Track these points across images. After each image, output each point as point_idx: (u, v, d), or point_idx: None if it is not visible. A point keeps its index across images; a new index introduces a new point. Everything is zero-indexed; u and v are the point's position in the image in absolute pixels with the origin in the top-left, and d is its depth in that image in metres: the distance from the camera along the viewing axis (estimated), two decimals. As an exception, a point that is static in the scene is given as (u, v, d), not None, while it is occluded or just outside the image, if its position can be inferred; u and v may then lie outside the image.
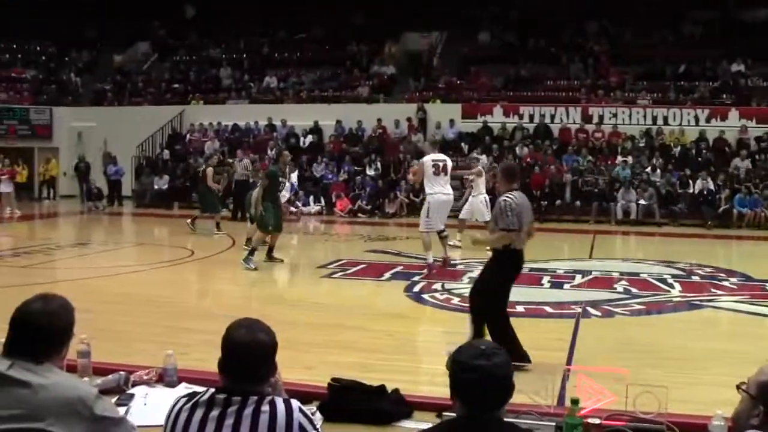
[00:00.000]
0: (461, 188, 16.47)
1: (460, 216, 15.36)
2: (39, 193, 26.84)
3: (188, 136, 26.50)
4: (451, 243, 14.07)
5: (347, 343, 7.46)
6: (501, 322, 6.60)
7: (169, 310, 9.28)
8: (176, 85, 29.16)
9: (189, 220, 17.09)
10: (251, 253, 11.89)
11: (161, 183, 24.12)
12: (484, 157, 20.07)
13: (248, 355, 2.76)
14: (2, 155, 23.37)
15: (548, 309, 9.28)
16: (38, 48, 31.65)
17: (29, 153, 27.19)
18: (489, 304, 6.71)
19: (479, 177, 14.98)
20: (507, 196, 6.55)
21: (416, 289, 10.65)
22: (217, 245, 15.22)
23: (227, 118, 26.59)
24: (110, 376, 4.05)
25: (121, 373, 4.11)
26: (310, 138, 25.19)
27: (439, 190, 12.02)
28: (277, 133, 25.65)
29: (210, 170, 17.03)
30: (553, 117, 24.13)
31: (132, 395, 3.95)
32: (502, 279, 6.76)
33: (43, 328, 2.88)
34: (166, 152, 25.59)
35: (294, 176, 22.41)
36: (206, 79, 29.27)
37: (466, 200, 15.52)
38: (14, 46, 31.06)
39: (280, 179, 12.55)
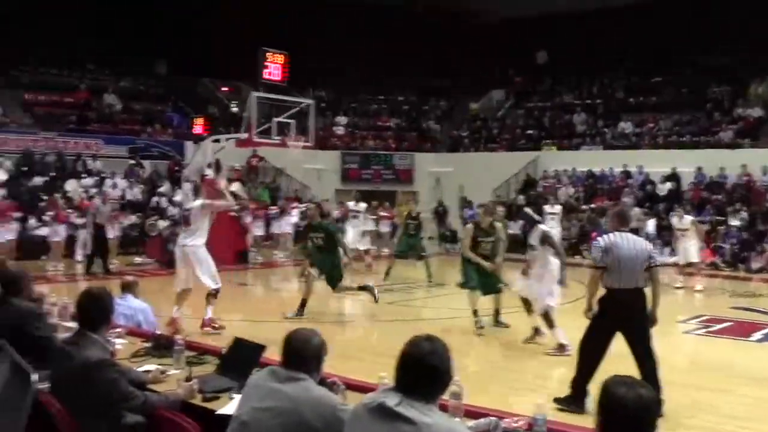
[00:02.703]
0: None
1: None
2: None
3: (541, 182, 26.65)
4: (699, 287, 15.68)
5: (704, 407, 7.00)
6: (584, 372, 6.41)
7: (525, 354, 9.26)
8: (530, 131, 29.61)
9: None
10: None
11: (515, 227, 24.35)
12: None
13: (632, 415, 2.64)
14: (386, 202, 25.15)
15: None
16: (401, 98, 33.99)
17: (392, 196, 29.04)
18: (582, 347, 6.63)
19: None
20: (605, 236, 6.69)
21: (791, 353, 9.71)
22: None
23: (581, 164, 26.45)
24: (482, 420, 4.03)
25: (492, 418, 4.06)
26: (667, 185, 24.13)
27: None
28: (633, 179, 24.98)
29: None
30: None
31: (502, 442, 3.89)
32: (596, 324, 6.56)
33: (433, 369, 2.97)
34: (521, 197, 25.89)
35: (651, 225, 21.68)
36: (560, 124, 29.42)
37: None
38: (381, 97, 33.81)
39: None
